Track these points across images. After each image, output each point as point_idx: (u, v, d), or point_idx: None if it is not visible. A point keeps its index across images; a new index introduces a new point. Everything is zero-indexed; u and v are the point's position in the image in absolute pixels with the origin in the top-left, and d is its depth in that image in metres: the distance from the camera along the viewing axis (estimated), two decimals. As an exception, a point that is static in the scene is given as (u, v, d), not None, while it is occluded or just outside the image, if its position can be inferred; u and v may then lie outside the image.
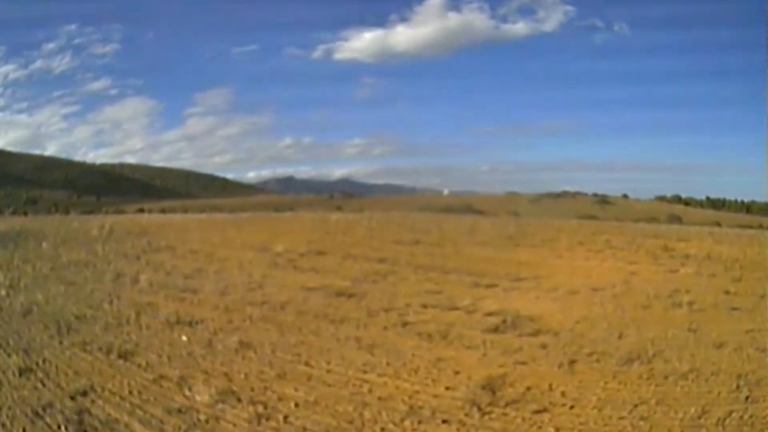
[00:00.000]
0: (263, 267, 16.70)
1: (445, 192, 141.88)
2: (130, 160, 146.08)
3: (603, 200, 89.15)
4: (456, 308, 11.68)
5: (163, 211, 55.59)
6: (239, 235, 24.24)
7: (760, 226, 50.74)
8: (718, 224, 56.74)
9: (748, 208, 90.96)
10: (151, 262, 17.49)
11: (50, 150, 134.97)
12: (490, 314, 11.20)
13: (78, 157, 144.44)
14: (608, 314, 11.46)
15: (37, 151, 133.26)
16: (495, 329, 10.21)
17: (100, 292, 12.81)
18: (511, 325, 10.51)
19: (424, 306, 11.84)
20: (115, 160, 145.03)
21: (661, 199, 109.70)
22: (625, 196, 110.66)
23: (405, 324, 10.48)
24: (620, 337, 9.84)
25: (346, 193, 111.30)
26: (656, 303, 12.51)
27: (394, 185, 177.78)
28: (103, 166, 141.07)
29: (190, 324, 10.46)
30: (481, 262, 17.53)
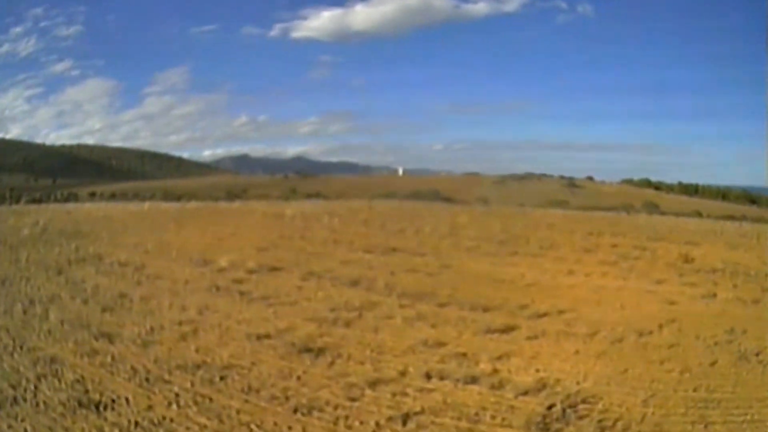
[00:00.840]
0: (202, 292, 12.99)
1: (400, 171, 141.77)
2: (90, 140, 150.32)
3: (571, 183, 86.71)
4: (474, 379, 8.23)
5: (113, 195, 51.09)
6: (179, 237, 20.36)
7: (744, 217, 49.19)
8: (699, 214, 54.94)
9: (724, 195, 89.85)
10: (71, 280, 13.97)
11: (13, 132, 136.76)
12: (525, 392, 7.82)
13: (39, 138, 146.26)
14: (678, 382, 8.41)
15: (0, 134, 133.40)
16: (544, 426, 6.86)
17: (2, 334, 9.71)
18: (562, 414, 7.18)
19: (427, 375, 8.35)
20: (75, 141, 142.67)
21: (629, 182, 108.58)
22: (590, 178, 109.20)
23: (406, 418, 7.01)
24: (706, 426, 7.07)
25: (300, 174, 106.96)
26: (720, 355, 9.62)
27: (348, 163, 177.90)
28: (62, 147, 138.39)
29: (98, 408, 7.12)
30: (481, 284, 14.13)
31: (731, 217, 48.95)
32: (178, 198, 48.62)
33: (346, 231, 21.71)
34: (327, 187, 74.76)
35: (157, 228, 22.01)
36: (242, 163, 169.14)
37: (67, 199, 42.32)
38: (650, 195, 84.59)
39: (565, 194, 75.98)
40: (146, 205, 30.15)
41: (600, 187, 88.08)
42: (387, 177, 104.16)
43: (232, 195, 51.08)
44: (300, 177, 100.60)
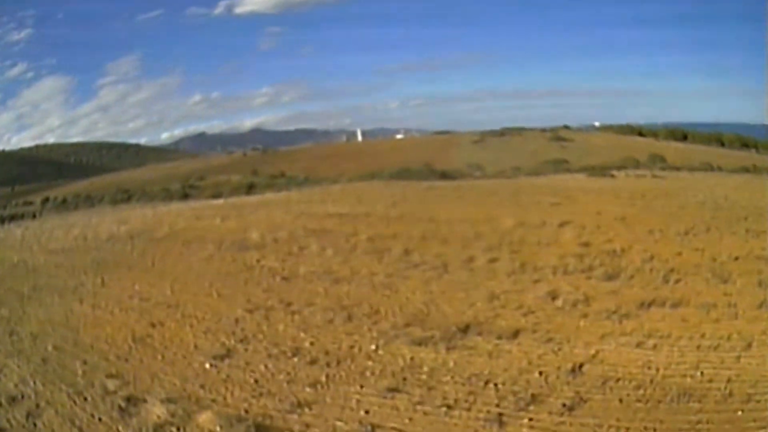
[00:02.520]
0: None
1: (359, 133, 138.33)
2: (51, 138, 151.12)
3: (556, 136, 79.06)
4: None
5: (64, 201, 42.28)
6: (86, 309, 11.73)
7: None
8: (720, 168, 47.73)
9: (718, 139, 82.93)
10: None
11: None
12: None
13: (2, 144, 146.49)
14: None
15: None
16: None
17: None
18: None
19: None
20: (36, 142, 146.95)
21: (608, 128, 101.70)
22: (566, 127, 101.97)
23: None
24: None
25: (259, 149, 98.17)
26: None
27: (306, 129, 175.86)
28: (20, 151, 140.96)
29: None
30: None
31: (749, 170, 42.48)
32: (128, 198, 39.56)
33: (353, 282, 13.05)
34: (292, 165, 66.21)
35: (69, 289, 13.12)
36: (200, 141, 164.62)
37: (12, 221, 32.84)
38: (644, 144, 77.45)
39: (558, 151, 68.48)
40: (76, 230, 21.35)
41: (588, 139, 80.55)
42: (352, 146, 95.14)
43: (186, 189, 41.84)
44: (260, 153, 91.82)
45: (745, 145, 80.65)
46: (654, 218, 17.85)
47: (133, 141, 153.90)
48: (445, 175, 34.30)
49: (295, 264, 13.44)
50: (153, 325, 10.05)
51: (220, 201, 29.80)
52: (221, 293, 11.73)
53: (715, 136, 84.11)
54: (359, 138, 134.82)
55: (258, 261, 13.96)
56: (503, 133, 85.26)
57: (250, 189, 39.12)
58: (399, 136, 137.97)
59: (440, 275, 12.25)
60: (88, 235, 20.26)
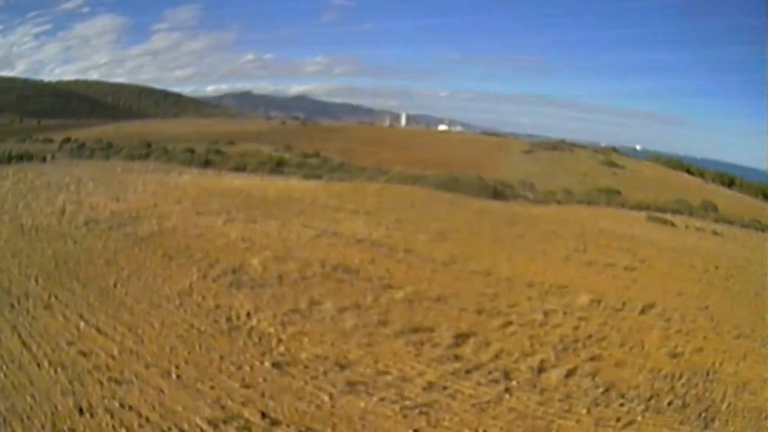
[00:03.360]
0: None
1: (403, 118, 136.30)
2: (94, 75, 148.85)
3: (608, 161, 73.74)
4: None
5: (82, 146, 39.45)
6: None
7: None
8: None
9: (765, 192, 77.02)
10: None
11: (18, 69, 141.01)
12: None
13: (44, 75, 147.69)
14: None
15: (5, 72, 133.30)
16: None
17: None
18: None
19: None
20: (78, 77, 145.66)
21: (657, 159, 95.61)
22: (615, 149, 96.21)
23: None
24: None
25: (298, 120, 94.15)
26: None
27: (352, 105, 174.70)
28: (58, 83, 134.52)
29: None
30: None
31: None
32: (147, 155, 36.00)
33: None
34: (329, 144, 61.99)
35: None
36: (245, 99, 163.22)
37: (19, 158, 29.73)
38: (693, 185, 71.86)
39: (609, 177, 63.36)
40: (62, 198, 17.74)
41: (638, 168, 75.00)
42: (395, 132, 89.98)
43: (209, 155, 38.05)
44: (300, 124, 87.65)
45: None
46: (738, 311, 14.07)
47: (176, 89, 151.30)
48: (496, 193, 29.89)
49: (298, 335, 9.30)
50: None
51: (237, 182, 25.72)
52: (182, 374, 7.74)
53: (763, 188, 78.15)
54: (403, 122, 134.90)
55: (248, 317, 9.85)
56: (555, 146, 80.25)
57: (278, 166, 35.58)
58: (442, 127, 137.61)
59: (500, 396, 8.10)
60: (69, 210, 16.53)
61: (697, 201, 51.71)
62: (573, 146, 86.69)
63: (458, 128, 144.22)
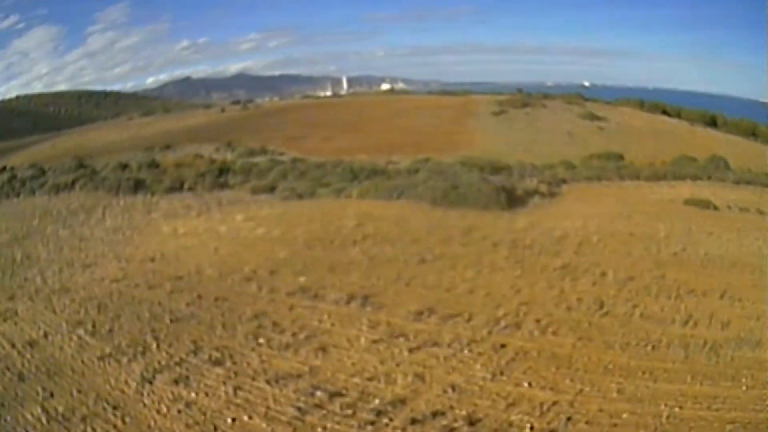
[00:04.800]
0: None
1: (344, 81, 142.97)
2: (38, 87, 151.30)
3: (589, 114, 67.39)
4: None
5: (11, 180, 31.41)
6: None
7: None
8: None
9: (753, 130, 71.70)
10: None
11: None
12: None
13: None
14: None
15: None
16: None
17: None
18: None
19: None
20: (21, 92, 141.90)
21: (628, 103, 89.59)
22: (581, 96, 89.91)
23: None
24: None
25: (239, 104, 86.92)
26: None
27: (290, 75, 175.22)
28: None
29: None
30: None
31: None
32: (73, 184, 28.93)
33: None
34: (275, 132, 54.18)
35: None
36: (185, 86, 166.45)
37: None
38: (683, 132, 66.34)
39: (598, 135, 57.25)
40: None
41: (622, 118, 68.86)
42: (346, 106, 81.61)
43: (141, 171, 31.49)
44: (241, 108, 79.68)
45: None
46: None
47: (118, 86, 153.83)
48: (510, 199, 23.22)
49: None
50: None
51: (152, 245, 18.02)
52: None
53: (746, 125, 73.03)
54: (344, 85, 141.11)
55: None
56: (525, 102, 73.35)
57: (220, 175, 29.40)
58: (385, 86, 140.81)
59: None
60: None
61: (698, 152, 46.08)
62: (544, 98, 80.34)
63: (400, 85, 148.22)
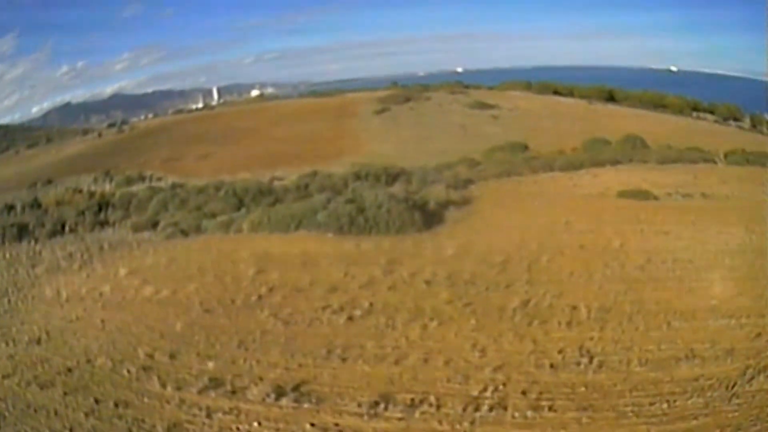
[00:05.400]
0: None
1: (215, 92, 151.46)
2: None
3: (479, 102, 67.91)
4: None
5: None
6: None
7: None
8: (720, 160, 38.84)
9: (661, 101, 75.08)
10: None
11: None
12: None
13: None
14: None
15: None
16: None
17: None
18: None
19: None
20: None
21: (513, 85, 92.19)
22: (461, 83, 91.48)
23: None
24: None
25: (114, 127, 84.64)
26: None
27: (163, 91, 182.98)
28: None
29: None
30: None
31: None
32: None
33: None
34: (152, 154, 52.03)
35: None
36: (66, 112, 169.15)
37: None
38: (581, 110, 68.91)
39: (491, 123, 57.67)
40: None
41: (512, 102, 70.10)
42: (221, 118, 79.41)
43: (23, 215, 30.88)
44: (117, 131, 77.12)
45: (695, 109, 74.10)
46: None
47: (6, 120, 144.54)
48: (426, 218, 21.94)
49: None
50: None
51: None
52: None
53: (652, 97, 76.64)
54: (215, 96, 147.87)
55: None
56: (408, 97, 72.94)
57: (100, 212, 28.94)
58: (255, 92, 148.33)
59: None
60: None
61: (607, 132, 47.27)
62: (425, 89, 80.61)
63: (270, 90, 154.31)
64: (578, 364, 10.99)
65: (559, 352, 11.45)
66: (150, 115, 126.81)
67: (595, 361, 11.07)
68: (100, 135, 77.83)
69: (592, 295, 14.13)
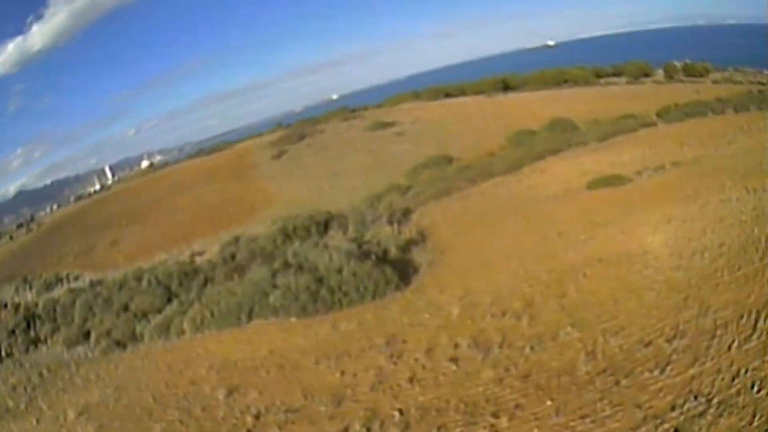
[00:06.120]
0: None
1: (108, 173, 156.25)
2: None
3: (379, 123, 65.68)
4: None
5: None
6: None
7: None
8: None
9: (563, 77, 75.25)
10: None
11: None
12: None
13: None
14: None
15: None
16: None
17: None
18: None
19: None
20: None
21: (404, 98, 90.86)
22: (350, 108, 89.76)
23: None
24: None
25: (23, 226, 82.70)
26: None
27: (60, 180, 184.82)
28: None
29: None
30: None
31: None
32: None
33: None
34: (66, 248, 49.53)
35: None
36: None
37: None
38: (488, 107, 68.25)
39: (397, 141, 55.62)
40: None
41: (418, 116, 68.24)
42: (122, 199, 76.43)
43: None
44: (26, 231, 74.73)
45: (598, 75, 74.97)
46: None
47: None
48: (397, 269, 19.30)
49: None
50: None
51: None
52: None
53: (553, 76, 76.91)
54: (109, 176, 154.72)
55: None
56: (302, 134, 70.09)
57: (29, 328, 26.98)
58: (145, 163, 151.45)
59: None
60: None
61: (526, 123, 45.90)
62: (316, 123, 78.50)
63: (158, 158, 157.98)
64: None
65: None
66: (55, 206, 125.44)
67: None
68: (11, 238, 74.59)
69: (668, 326, 11.48)
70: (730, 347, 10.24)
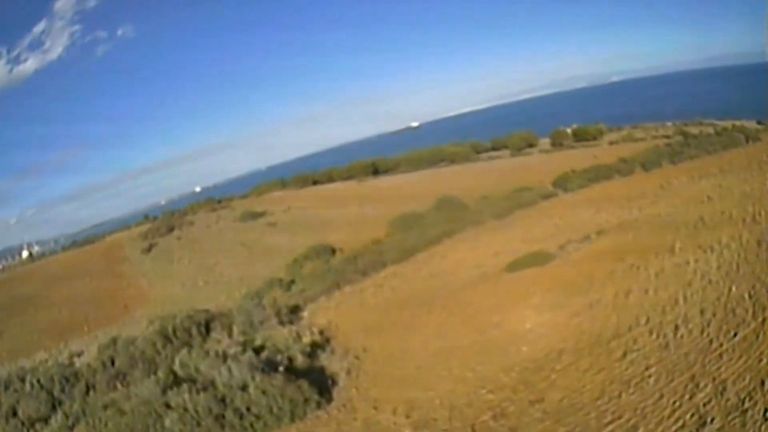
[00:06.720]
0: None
1: None
2: None
3: (250, 213, 63.12)
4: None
5: None
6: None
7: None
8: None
9: (441, 155, 75.80)
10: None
11: None
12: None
13: None
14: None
15: None
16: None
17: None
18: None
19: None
20: None
21: (271, 187, 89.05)
22: (219, 201, 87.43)
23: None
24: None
25: None
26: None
27: None
28: None
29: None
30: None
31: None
32: None
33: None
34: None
35: None
36: None
37: None
38: (367, 190, 67.38)
39: (278, 234, 53.26)
40: None
41: (292, 205, 66.29)
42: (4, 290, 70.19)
43: None
44: None
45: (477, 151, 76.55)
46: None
47: None
48: (313, 381, 16.50)
49: None
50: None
51: None
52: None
53: (430, 155, 77.79)
54: None
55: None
56: (171, 226, 66.73)
57: None
58: (24, 253, 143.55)
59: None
60: None
61: (409, 205, 44.64)
62: (184, 215, 75.62)
63: (36, 248, 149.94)
64: None
65: None
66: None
67: None
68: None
69: (687, 414, 9.54)
70: (765, 416, 9.32)
